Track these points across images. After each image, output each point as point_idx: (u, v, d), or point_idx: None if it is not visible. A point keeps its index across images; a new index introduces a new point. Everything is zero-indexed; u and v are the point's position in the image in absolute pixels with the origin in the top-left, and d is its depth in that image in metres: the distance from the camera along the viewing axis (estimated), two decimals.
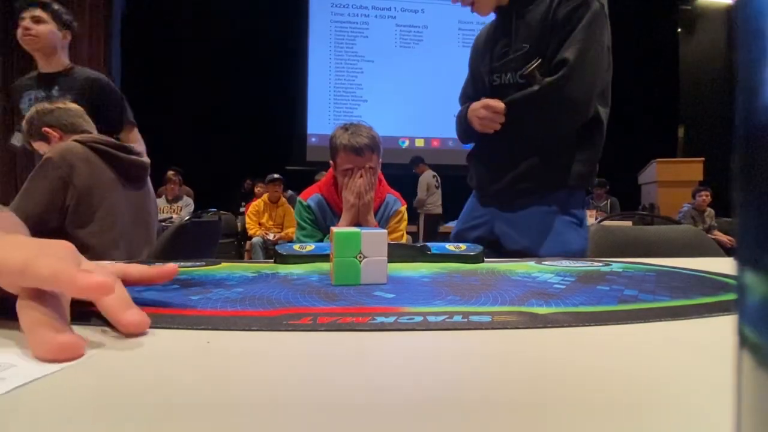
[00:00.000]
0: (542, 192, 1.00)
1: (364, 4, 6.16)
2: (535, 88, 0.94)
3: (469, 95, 1.11)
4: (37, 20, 1.61)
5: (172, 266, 0.33)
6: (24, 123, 1.30)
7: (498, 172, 1.03)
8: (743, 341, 0.08)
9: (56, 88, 1.61)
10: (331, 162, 1.15)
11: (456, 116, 1.11)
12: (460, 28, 6.25)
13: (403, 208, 1.20)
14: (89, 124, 1.35)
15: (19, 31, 1.60)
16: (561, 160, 0.99)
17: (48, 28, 1.62)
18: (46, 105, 1.31)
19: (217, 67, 5.71)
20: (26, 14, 1.60)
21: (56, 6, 1.65)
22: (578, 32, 0.92)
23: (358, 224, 1.05)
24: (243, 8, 5.81)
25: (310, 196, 1.17)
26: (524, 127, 0.98)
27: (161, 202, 3.99)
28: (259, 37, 5.76)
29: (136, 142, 1.69)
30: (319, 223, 1.14)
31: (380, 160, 1.13)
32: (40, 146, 1.29)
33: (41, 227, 1.11)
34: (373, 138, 1.09)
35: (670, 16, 6.71)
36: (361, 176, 1.05)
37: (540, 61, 0.94)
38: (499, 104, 0.97)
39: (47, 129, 1.27)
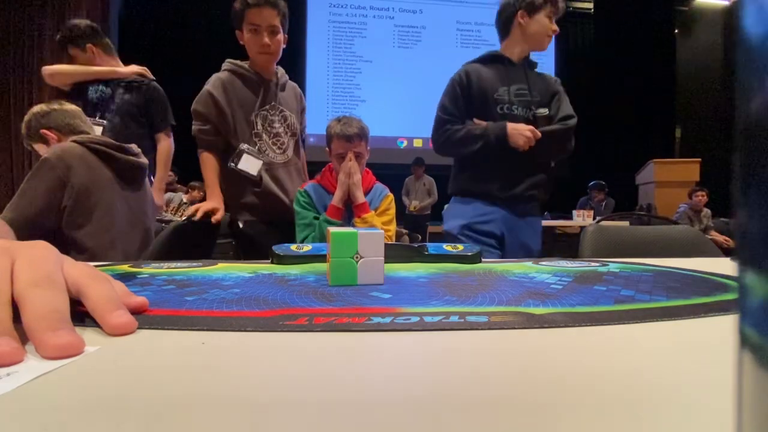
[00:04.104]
0: (535, 201, 1.42)
1: (362, 5, 6.16)
2: (562, 126, 1.36)
3: (460, 115, 1.40)
4: (73, 56, 1.88)
5: (142, 300, 0.32)
6: (22, 126, 1.31)
7: (515, 182, 1.37)
8: (744, 341, 0.08)
9: (120, 87, 1.86)
10: (327, 149, 1.32)
11: (460, 135, 1.37)
12: (458, 29, 6.26)
13: (391, 195, 1.36)
14: (87, 125, 1.35)
15: None
16: (547, 180, 1.42)
17: (81, 59, 1.87)
18: (43, 107, 1.31)
19: (214, 67, 5.70)
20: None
21: (64, 33, 1.87)
22: (565, 101, 1.42)
23: (348, 199, 1.23)
24: None
25: (306, 185, 1.34)
26: (544, 151, 1.35)
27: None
28: None
29: (167, 143, 1.90)
30: (316, 204, 1.30)
31: (368, 147, 1.31)
32: (39, 148, 1.29)
33: (38, 228, 1.10)
34: (362, 128, 1.27)
35: (667, 17, 6.74)
36: (351, 159, 1.23)
37: (549, 113, 1.40)
38: (537, 132, 1.31)
39: (45, 131, 1.28)
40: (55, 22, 4.75)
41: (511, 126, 1.31)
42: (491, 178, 1.37)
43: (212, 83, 1.36)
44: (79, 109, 1.36)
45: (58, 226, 1.14)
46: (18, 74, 4.67)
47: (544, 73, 1.46)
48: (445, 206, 1.58)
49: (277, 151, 1.43)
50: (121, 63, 1.96)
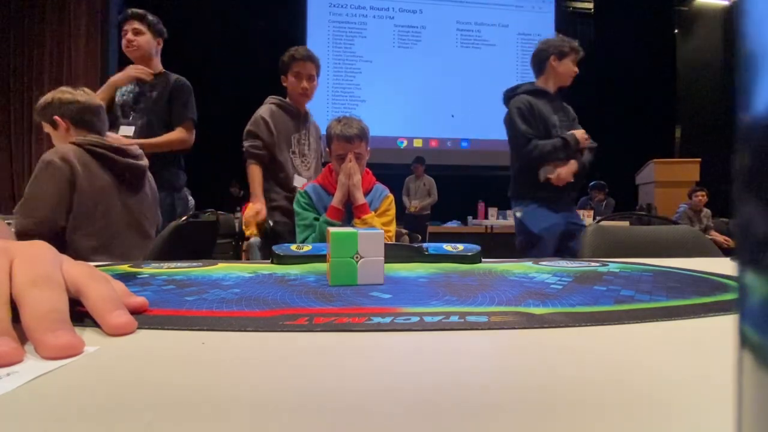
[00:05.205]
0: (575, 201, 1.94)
1: (362, 5, 6.16)
2: (593, 144, 1.84)
3: (535, 136, 1.77)
4: (137, 32, 1.87)
5: (142, 301, 0.31)
6: (42, 99, 1.29)
7: (572, 190, 1.83)
8: (744, 341, 0.08)
9: (148, 85, 1.87)
10: (326, 149, 1.35)
11: (548, 148, 1.75)
12: (458, 29, 6.25)
13: (391, 196, 1.37)
14: (102, 122, 1.33)
15: (124, 42, 1.87)
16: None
17: (146, 38, 1.88)
18: (69, 93, 1.29)
19: (214, 67, 5.70)
20: (128, 26, 1.87)
21: (151, 17, 1.91)
22: (578, 125, 1.88)
23: (348, 200, 1.24)
24: (240, 8, 5.80)
25: (307, 186, 1.35)
26: (587, 161, 1.82)
27: None
28: (257, 37, 5.75)
29: (184, 136, 1.85)
30: (315, 205, 1.31)
31: (368, 148, 1.33)
32: (46, 127, 1.28)
33: (52, 229, 1.10)
34: (362, 129, 1.28)
35: (667, 17, 6.74)
36: (350, 160, 1.24)
37: None
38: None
39: (58, 118, 1.26)
40: (54, 21, 4.75)
41: (577, 132, 1.77)
42: (556, 189, 1.77)
43: (264, 111, 1.72)
44: (103, 105, 1.35)
45: (64, 226, 1.14)
46: (18, 74, 4.67)
47: (564, 103, 1.93)
48: (518, 211, 1.86)
49: (305, 167, 1.82)
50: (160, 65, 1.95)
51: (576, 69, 1.85)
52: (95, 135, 1.28)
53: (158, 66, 1.93)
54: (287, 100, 1.79)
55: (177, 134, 1.84)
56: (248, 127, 1.71)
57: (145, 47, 1.87)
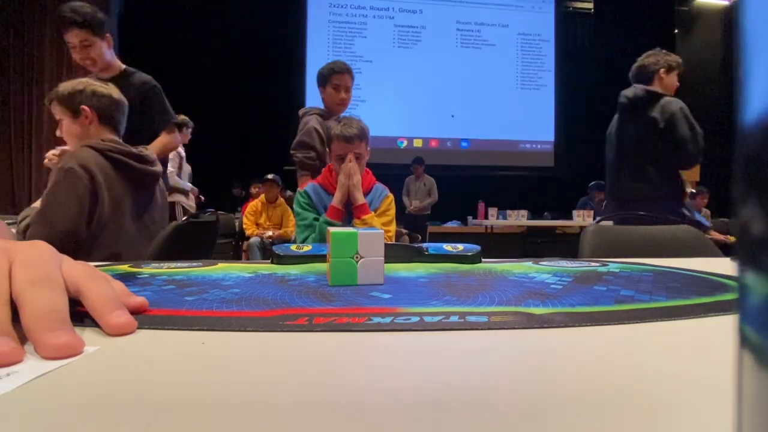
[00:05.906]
0: None
1: (362, 5, 6.16)
2: None
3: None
4: (87, 44, 1.68)
5: (142, 301, 0.31)
6: (68, 85, 1.20)
7: None
8: (744, 341, 0.08)
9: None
10: (327, 150, 1.35)
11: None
12: (458, 29, 6.25)
13: (391, 196, 1.37)
14: (123, 123, 1.29)
15: (75, 55, 1.70)
16: None
17: (97, 47, 1.70)
18: (102, 87, 1.23)
19: (214, 66, 5.71)
20: (71, 38, 1.68)
21: (89, 17, 1.68)
22: None
23: (348, 200, 1.24)
24: (240, 8, 5.80)
25: (307, 185, 1.35)
26: None
27: None
28: (257, 37, 5.75)
29: (171, 140, 1.80)
30: (315, 205, 1.31)
31: (368, 148, 1.34)
32: (63, 112, 1.21)
33: (73, 241, 1.07)
34: (361, 129, 1.29)
35: (667, 17, 6.74)
36: (350, 160, 1.25)
37: None
38: None
39: (87, 108, 1.19)
40: (55, 23, 4.75)
41: None
42: None
43: (313, 122, 1.80)
44: (127, 104, 1.31)
45: (86, 237, 1.11)
46: (18, 75, 4.67)
47: None
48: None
49: None
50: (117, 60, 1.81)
51: (677, 83, 2.04)
52: (113, 136, 1.24)
53: (117, 65, 1.79)
54: (324, 110, 1.88)
55: (165, 140, 1.78)
56: (301, 137, 1.79)
57: (101, 57, 1.71)
